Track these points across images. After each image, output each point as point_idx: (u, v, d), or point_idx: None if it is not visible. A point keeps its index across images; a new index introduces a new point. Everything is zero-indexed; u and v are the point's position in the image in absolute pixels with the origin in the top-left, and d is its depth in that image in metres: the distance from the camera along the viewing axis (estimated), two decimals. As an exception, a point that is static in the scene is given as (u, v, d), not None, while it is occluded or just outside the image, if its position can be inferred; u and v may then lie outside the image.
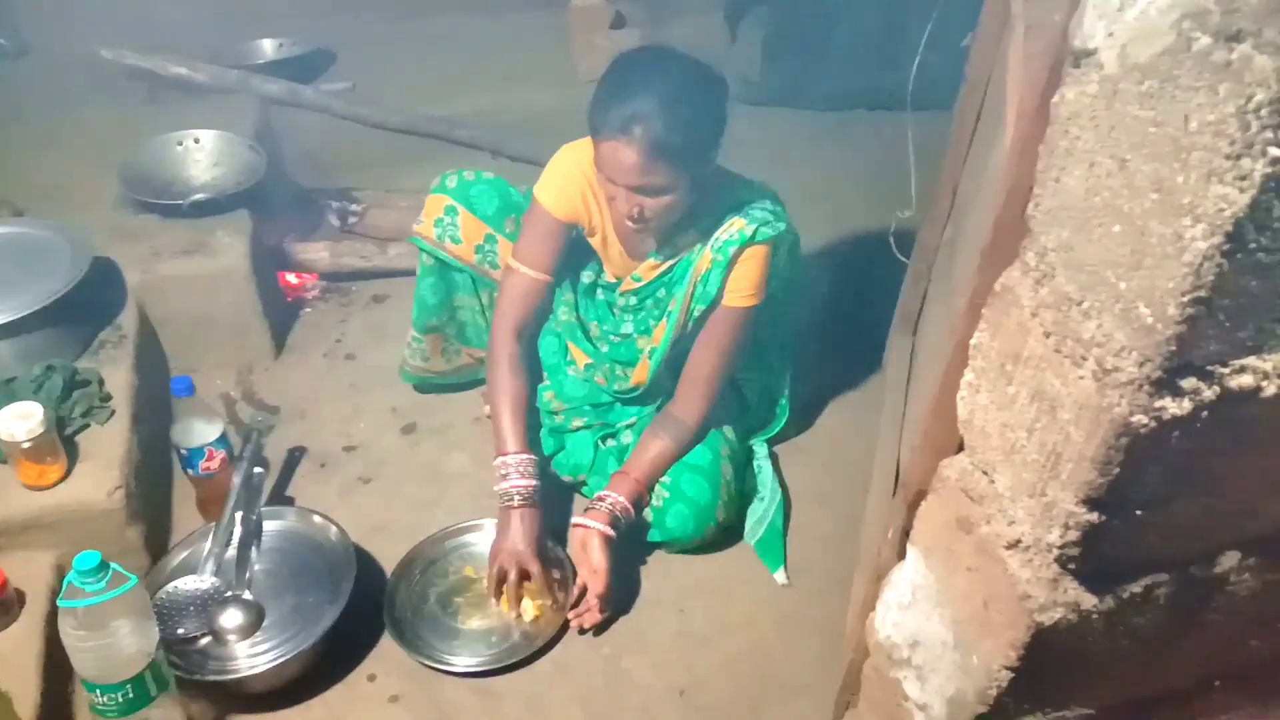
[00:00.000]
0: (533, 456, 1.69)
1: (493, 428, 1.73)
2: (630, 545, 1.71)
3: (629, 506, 1.66)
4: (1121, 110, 0.67)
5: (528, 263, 1.75)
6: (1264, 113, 0.57)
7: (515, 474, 1.66)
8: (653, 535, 1.74)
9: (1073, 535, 0.79)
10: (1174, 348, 0.67)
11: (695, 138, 1.51)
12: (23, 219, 2.05)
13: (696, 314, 1.70)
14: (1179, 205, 0.63)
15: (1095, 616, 0.87)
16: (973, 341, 0.88)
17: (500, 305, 1.79)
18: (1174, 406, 0.70)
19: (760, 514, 1.82)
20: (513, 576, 1.62)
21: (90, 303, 1.89)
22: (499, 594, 1.65)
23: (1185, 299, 0.64)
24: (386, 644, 1.62)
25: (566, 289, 1.87)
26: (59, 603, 1.26)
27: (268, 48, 3.24)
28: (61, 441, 1.62)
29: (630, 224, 1.57)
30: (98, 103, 2.71)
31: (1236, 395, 0.71)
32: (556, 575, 1.68)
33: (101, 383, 1.77)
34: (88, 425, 1.71)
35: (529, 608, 1.64)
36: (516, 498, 1.65)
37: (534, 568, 1.63)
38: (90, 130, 2.51)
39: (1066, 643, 0.89)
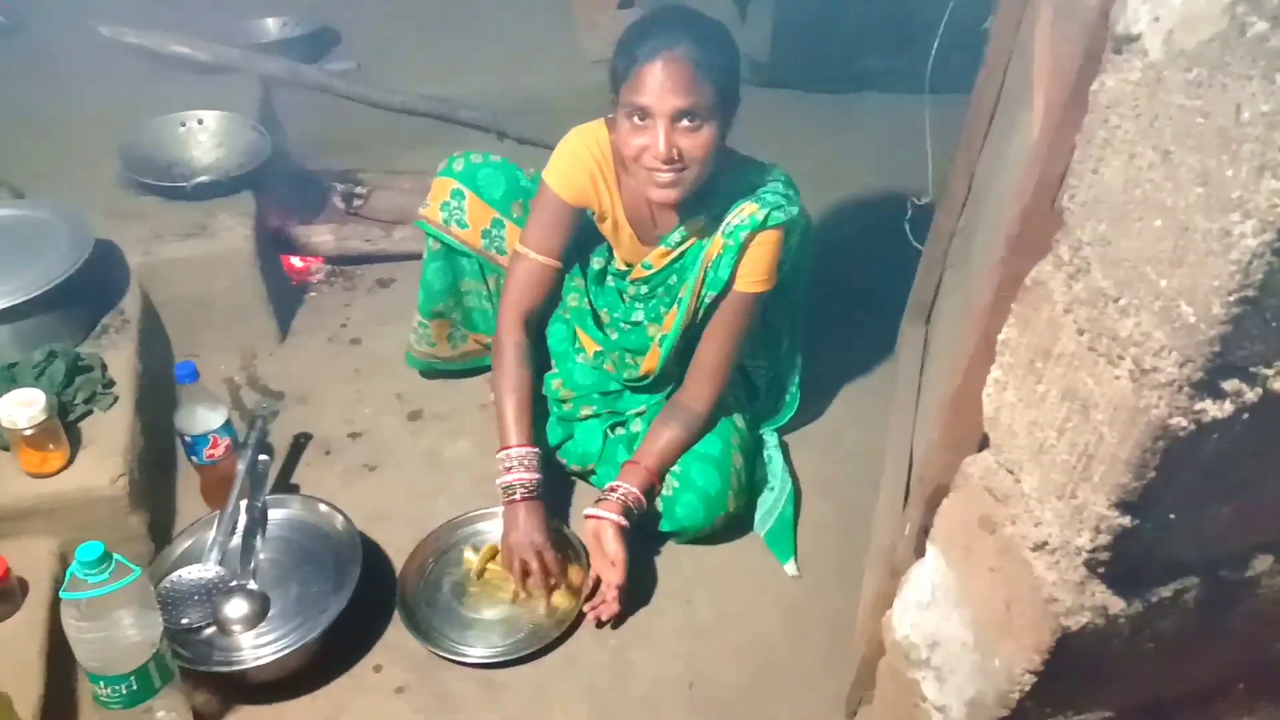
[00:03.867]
0: (536, 450, 1.67)
1: (496, 418, 1.71)
2: (639, 535, 1.69)
3: (641, 497, 1.63)
4: (1166, 99, 0.64)
5: (535, 248, 1.72)
6: (1324, 104, 0.54)
7: (520, 467, 1.63)
8: (663, 525, 1.72)
9: (1104, 539, 0.77)
10: (1217, 348, 0.64)
11: (731, 67, 1.51)
12: (23, 200, 2.02)
13: (708, 300, 1.67)
14: (1227, 200, 0.60)
15: (1122, 620, 0.85)
16: (1000, 337, 0.85)
17: (507, 292, 1.76)
18: (1214, 409, 0.68)
19: (770, 504, 1.80)
20: (535, 566, 1.60)
21: (92, 286, 1.86)
22: (526, 588, 1.63)
23: (1231, 298, 0.62)
24: (392, 634, 1.61)
25: (576, 274, 1.84)
26: (61, 595, 1.24)
27: (271, 26, 3.19)
28: (64, 428, 1.60)
29: (660, 182, 1.50)
30: (97, 81, 2.66)
31: (1278, 397, 0.68)
32: (574, 563, 1.68)
33: (104, 368, 1.75)
34: (90, 411, 1.68)
35: (559, 598, 1.63)
36: (519, 491, 1.62)
37: (548, 555, 1.61)
38: (90, 109, 2.47)
39: (1091, 646, 0.87)
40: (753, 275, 1.64)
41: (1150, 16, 0.64)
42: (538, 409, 1.86)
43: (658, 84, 1.45)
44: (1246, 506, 0.78)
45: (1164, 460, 0.70)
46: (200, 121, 2.34)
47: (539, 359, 1.83)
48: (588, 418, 1.83)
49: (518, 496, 1.62)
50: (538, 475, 1.65)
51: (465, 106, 2.88)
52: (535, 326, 1.80)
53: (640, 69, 1.45)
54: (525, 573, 1.61)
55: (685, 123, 1.47)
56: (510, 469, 1.64)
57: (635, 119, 1.49)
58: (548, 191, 1.70)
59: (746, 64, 3.02)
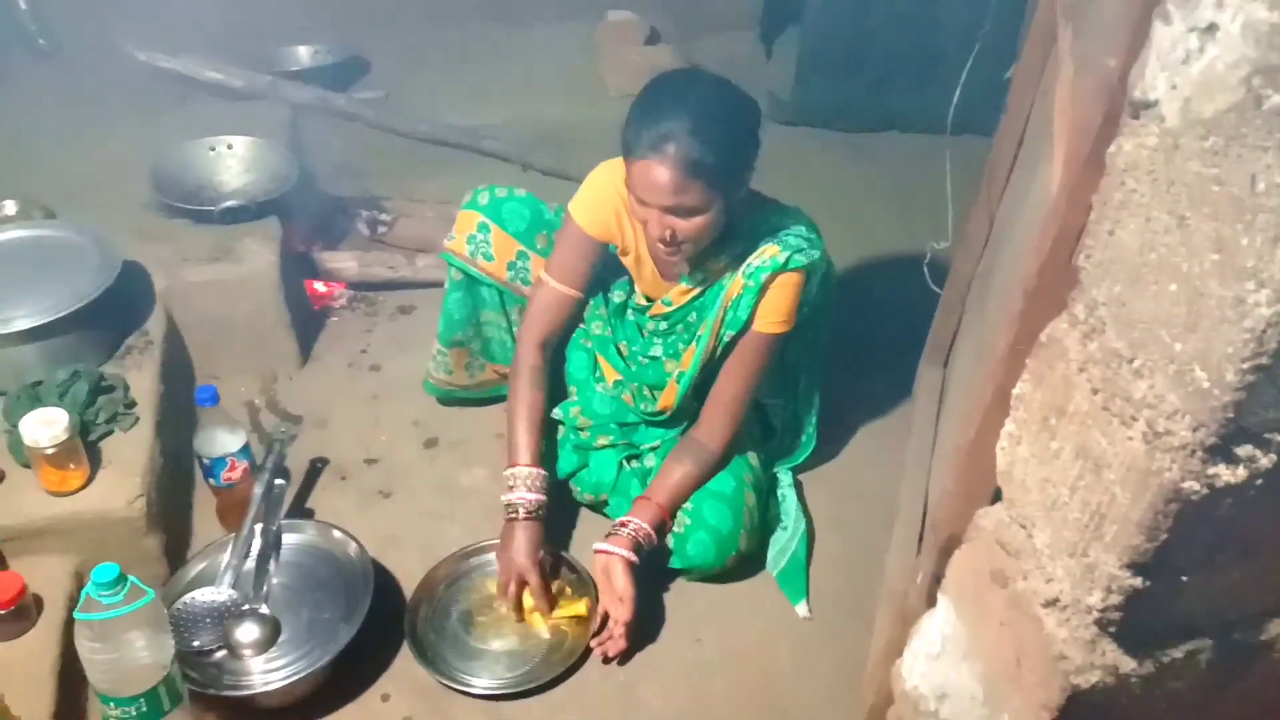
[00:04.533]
0: (543, 472, 1.69)
1: (507, 436, 1.73)
2: (649, 571, 1.69)
3: (652, 533, 1.63)
4: (1182, 166, 0.64)
5: (558, 277, 1.74)
6: (1338, 178, 0.55)
7: (523, 487, 1.66)
8: (673, 562, 1.71)
9: (1115, 599, 0.76)
10: (1231, 414, 0.64)
11: (729, 158, 1.50)
12: (55, 221, 2.05)
13: (726, 339, 1.68)
14: (1241, 268, 0.60)
15: (1133, 680, 0.84)
16: (1015, 392, 0.86)
17: (528, 316, 1.79)
18: (1228, 474, 0.67)
19: (783, 544, 1.79)
20: (512, 589, 1.63)
21: (118, 307, 1.89)
22: (516, 605, 1.66)
23: (1245, 365, 0.62)
24: (401, 662, 1.61)
25: (600, 303, 1.86)
26: (75, 615, 1.25)
27: (303, 55, 3.24)
28: (85, 447, 1.62)
29: (662, 247, 1.56)
30: (130, 105, 2.71)
31: (1293, 463, 0.68)
32: (570, 590, 1.69)
33: (127, 388, 1.77)
34: (111, 431, 1.70)
35: (539, 621, 1.64)
36: (521, 510, 1.65)
37: (532, 579, 1.63)
38: (121, 132, 2.52)
39: (1101, 705, 0.86)
40: (772, 316, 1.65)
41: (1168, 84, 0.65)
42: (553, 438, 1.88)
43: (649, 182, 1.48)
44: (1260, 570, 0.78)
45: (1176, 523, 0.70)
46: (230, 146, 2.37)
47: (555, 385, 1.84)
48: (604, 447, 1.84)
49: (519, 515, 1.65)
50: (541, 496, 1.67)
51: (490, 137, 2.91)
52: (552, 352, 1.82)
53: (636, 162, 1.50)
54: (506, 590, 1.64)
55: (678, 214, 1.51)
56: (513, 487, 1.66)
57: (636, 195, 1.53)
58: (572, 224, 1.72)
59: (769, 101, 3.05)
